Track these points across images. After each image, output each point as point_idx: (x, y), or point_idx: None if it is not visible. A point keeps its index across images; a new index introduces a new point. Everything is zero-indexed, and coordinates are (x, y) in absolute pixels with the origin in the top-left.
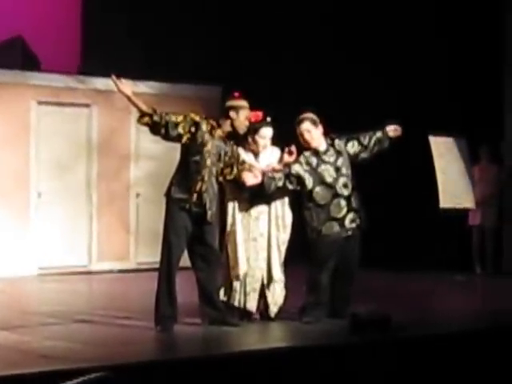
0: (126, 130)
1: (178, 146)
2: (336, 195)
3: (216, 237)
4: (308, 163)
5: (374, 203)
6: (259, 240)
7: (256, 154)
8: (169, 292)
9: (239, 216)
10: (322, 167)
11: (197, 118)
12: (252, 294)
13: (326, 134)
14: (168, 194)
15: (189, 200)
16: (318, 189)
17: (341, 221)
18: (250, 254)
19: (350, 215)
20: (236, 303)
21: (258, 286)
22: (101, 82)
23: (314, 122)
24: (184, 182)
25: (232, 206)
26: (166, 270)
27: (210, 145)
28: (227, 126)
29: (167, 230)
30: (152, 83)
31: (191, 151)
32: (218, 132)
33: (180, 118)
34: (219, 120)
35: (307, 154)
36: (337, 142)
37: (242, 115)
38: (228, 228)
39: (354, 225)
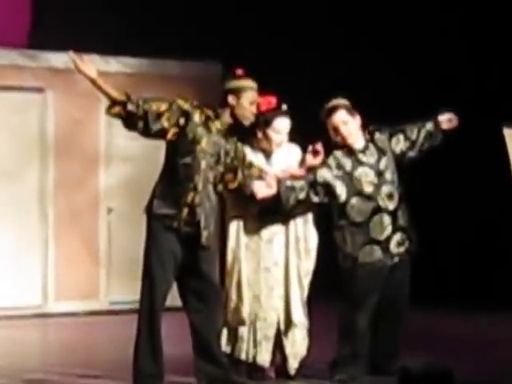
0: (93, 123)
1: (162, 145)
2: (378, 209)
3: (215, 266)
4: (340, 166)
5: (424, 218)
6: (273, 271)
7: (268, 155)
8: (152, 341)
9: (245, 239)
10: (360, 171)
11: (186, 106)
12: (264, 343)
13: (363, 126)
14: (149, 210)
15: (177, 217)
16: (353, 201)
17: (384, 244)
18: (260, 290)
19: (397, 236)
20: (243, 356)
21: (272, 332)
22: (58, 59)
23: (350, 111)
24: (171, 192)
25: (235, 226)
26: (148, 311)
27: (205, 142)
28: (227, 117)
29: (149, 258)
30: (127, 59)
31: (180, 151)
32: (216, 124)
33: (164, 107)
34: (217, 109)
35: (339, 153)
36: (378, 136)
37: (246, 100)
38: (229, 255)
39: (402, 249)
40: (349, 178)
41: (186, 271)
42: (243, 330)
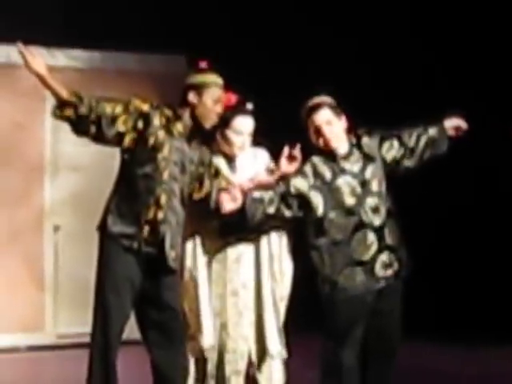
0: (37, 127)
1: (116, 152)
2: (361, 225)
3: (178, 293)
4: (317, 174)
5: (420, 236)
6: (242, 295)
7: (230, 160)
8: (106, 380)
9: (204, 258)
10: (340, 181)
11: (145, 108)
12: (234, 378)
13: (349, 129)
14: (103, 228)
15: (137, 236)
16: (332, 215)
17: (368, 265)
18: (228, 317)
19: (384, 256)
20: None
21: (242, 366)
22: None
23: (335, 111)
24: (128, 207)
25: (192, 243)
26: (102, 347)
27: (168, 148)
28: (187, 118)
29: (102, 284)
30: (77, 52)
31: (138, 159)
32: (178, 127)
33: (119, 109)
34: (177, 109)
35: (317, 159)
36: (366, 140)
37: (209, 98)
38: (186, 275)
39: (389, 271)
40: (328, 189)
41: (147, 299)
42: (211, 366)
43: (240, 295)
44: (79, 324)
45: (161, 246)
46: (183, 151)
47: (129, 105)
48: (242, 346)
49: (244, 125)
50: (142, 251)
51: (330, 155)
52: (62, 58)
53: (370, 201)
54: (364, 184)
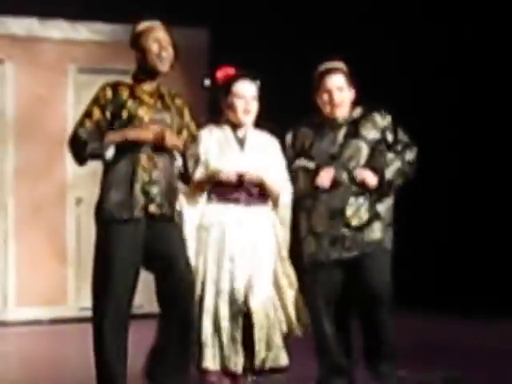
0: (59, 101)
1: None
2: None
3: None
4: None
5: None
6: (237, 260)
7: (237, 128)
8: (117, 353)
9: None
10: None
11: (108, 92)
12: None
13: (354, 103)
14: (99, 208)
15: (132, 204)
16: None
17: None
18: (222, 283)
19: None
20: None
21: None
22: (19, 26)
23: (348, 79)
24: (118, 182)
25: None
26: (113, 318)
27: (143, 112)
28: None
29: (106, 265)
30: (99, 25)
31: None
32: (144, 89)
33: (96, 111)
34: (135, 74)
35: (305, 130)
36: (376, 118)
37: (154, 42)
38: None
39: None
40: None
41: (156, 258)
42: (205, 333)
43: (235, 261)
44: None
45: (158, 206)
46: (159, 110)
47: (98, 101)
48: (235, 309)
49: (244, 88)
50: (141, 217)
51: (323, 124)
52: (84, 31)
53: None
54: (334, 157)
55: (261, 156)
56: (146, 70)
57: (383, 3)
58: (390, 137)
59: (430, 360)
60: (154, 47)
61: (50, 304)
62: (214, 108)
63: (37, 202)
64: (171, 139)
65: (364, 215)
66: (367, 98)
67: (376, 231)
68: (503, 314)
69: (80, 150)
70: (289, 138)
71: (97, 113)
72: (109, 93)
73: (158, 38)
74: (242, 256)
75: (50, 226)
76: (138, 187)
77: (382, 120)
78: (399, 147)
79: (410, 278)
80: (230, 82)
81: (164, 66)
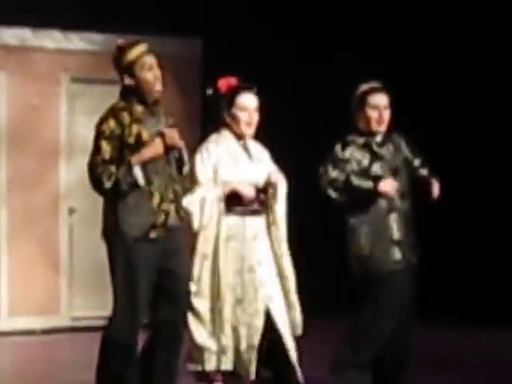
0: (52, 110)
1: None
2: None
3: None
4: (355, 160)
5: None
6: (258, 271)
7: (240, 138)
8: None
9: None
10: (376, 166)
11: (111, 123)
12: (248, 352)
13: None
14: (115, 230)
15: (151, 225)
16: None
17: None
18: (244, 293)
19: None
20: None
21: (256, 340)
22: (12, 35)
23: (389, 99)
24: (136, 204)
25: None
26: (126, 333)
27: (146, 134)
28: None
29: (130, 282)
30: (92, 35)
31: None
32: (140, 110)
33: (105, 146)
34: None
35: (354, 146)
36: (397, 139)
37: (148, 71)
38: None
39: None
40: (365, 174)
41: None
42: (225, 340)
43: (256, 271)
44: (94, 307)
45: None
46: (155, 124)
47: (103, 134)
48: (256, 321)
49: (248, 100)
50: (159, 236)
51: (365, 141)
52: (77, 41)
53: (399, 187)
54: (395, 170)
55: (265, 165)
56: (141, 96)
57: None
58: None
59: (430, 371)
60: (150, 77)
61: (43, 314)
62: (208, 117)
63: (29, 212)
64: (175, 137)
65: None
66: None
67: None
68: (503, 325)
69: (108, 184)
70: (340, 151)
71: (107, 148)
72: (112, 124)
73: (152, 66)
74: (261, 265)
75: (42, 235)
76: (158, 209)
77: (402, 139)
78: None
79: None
80: (232, 92)
81: (159, 93)
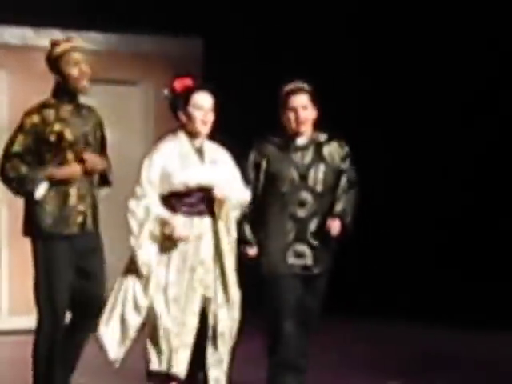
0: None
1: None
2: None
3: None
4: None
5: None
6: (198, 271)
7: (195, 137)
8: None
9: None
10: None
11: (35, 118)
12: (182, 350)
13: (315, 124)
14: (37, 230)
15: (66, 221)
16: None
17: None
18: (182, 291)
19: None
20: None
21: (190, 339)
22: (13, 34)
23: (312, 98)
24: (52, 201)
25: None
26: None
27: (69, 133)
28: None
29: (50, 281)
30: (93, 35)
31: (45, 158)
32: (65, 109)
33: (20, 138)
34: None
35: (271, 148)
36: (331, 147)
37: (74, 66)
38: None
39: (299, 262)
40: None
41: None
42: (159, 336)
43: (197, 271)
44: None
45: (83, 222)
46: (81, 126)
47: (24, 127)
48: (192, 320)
49: (203, 99)
50: (73, 234)
51: (286, 144)
52: (78, 40)
53: (304, 195)
54: (303, 177)
55: (219, 167)
56: (68, 92)
57: None
58: (343, 166)
59: (429, 372)
60: (74, 72)
61: None
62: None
63: None
64: (96, 164)
65: None
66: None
67: None
68: (504, 325)
69: (10, 185)
70: (253, 156)
71: (22, 142)
72: (35, 119)
73: (78, 61)
74: (203, 265)
75: None
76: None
77: (342, 150)
78: (346, 185)
79: (408, 291)
80: (187, 92)
81: (85, 88)
